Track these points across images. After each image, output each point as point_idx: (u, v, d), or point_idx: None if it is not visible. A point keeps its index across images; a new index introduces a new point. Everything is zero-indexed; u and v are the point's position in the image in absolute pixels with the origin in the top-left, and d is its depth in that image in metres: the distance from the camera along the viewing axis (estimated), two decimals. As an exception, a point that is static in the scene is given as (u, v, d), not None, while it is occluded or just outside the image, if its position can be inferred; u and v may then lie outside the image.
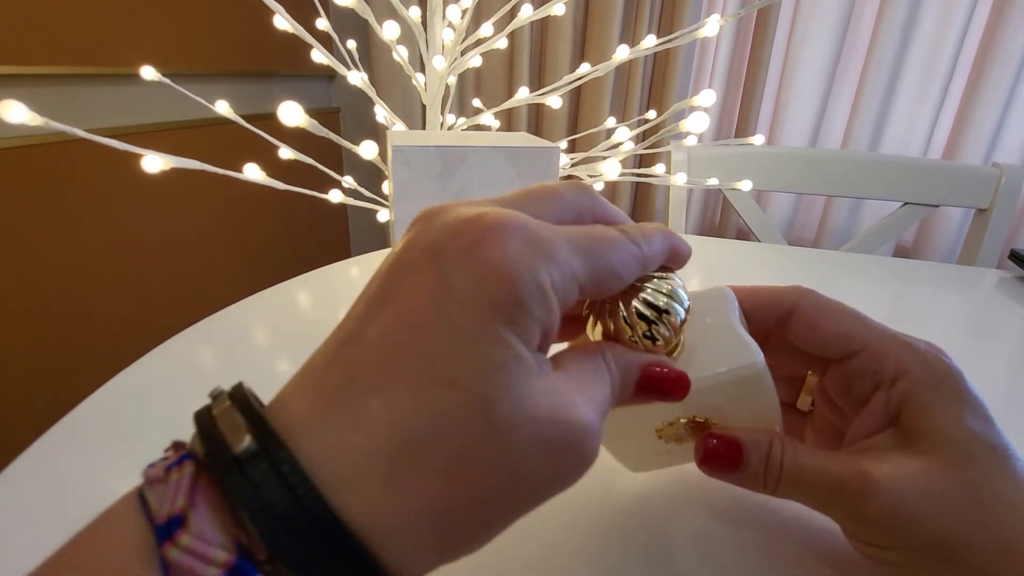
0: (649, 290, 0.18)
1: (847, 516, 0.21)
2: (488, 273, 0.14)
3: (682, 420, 0.22)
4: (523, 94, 0.55)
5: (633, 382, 0.18)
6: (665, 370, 0.18)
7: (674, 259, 0.20)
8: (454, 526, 0.14)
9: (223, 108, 0.48)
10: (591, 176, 0.55)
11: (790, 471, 0.21)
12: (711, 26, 0.52)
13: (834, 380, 0.23)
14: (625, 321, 0.18)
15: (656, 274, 0.19)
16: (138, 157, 0.41)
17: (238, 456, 0.13)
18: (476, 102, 0.77)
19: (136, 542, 0.13)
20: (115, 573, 0.12)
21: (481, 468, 0.13)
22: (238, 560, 0.12)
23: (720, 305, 0.22)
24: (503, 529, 0.15)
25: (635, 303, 0.18)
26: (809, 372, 0.26)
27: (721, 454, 0.22)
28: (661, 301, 0.18)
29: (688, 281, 0.21)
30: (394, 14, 0.51)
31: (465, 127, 0.58)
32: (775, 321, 0.23)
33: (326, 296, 0.50)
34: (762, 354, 0.21)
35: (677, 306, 0.19)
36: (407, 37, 0.59)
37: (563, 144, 0.55)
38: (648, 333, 0.18)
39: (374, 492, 0.13)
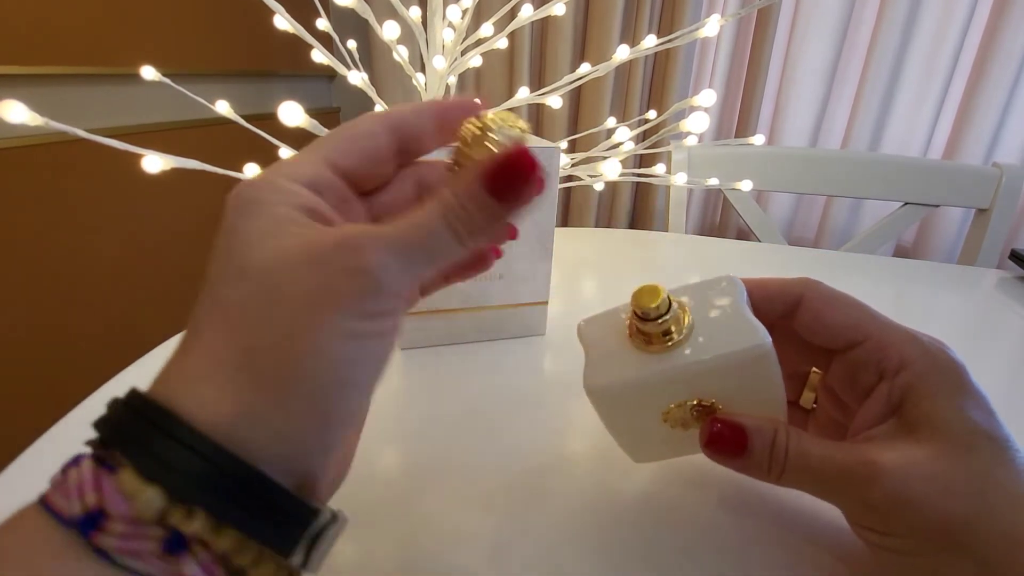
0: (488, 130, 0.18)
1: (852, 503, 0.21)
2: (230, 202, 0.17)
3: (689, 403, 0.22)
4: (523, 94, 0.55)
5: (476, 184, 0.16)
6: (513, 153, 0.16)
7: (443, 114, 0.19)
8: (247, 356, 0.15)
9: (223, 108, 0.48)
10: (591, 176, 0.55)
11: (795, 459, 0.21)
12: (711, 26, 0.52)
13: (838, 372, 0.24)
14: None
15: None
16: (138, 157, 0.41)
17: (141, 440, 0.14)
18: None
19: (53, 542, 0.13)
20: (44, 571, 0.13)
21: (243, 303, 0.15)
22: (173, 531, 0.14)
23: (728, 291, 0.23)
24: (301, 357, 0.15)
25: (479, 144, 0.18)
26: (813, 369, 0.26)
27: (725, 439, 0.22)
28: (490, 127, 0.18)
29: (689, 280, 0.21)
30: (394, 14, 0.51)
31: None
32: (782, 311, 0.24)
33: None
34: (770, 337, 0.21)
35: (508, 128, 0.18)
36: (407, 37, 0.59)
37: (563, 144, 0.55)
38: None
39: (202, 389, 0.15)
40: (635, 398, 0.22)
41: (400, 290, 0.16)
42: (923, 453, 0.19)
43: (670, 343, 0.21)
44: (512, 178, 0.16)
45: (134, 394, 0.15)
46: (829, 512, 0.22)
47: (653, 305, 0.21)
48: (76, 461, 0.15)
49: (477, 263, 0.22)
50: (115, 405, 0.15)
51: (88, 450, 0.15)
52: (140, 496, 0.13)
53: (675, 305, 0.22)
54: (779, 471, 0.21)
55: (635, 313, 0.22)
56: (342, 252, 0.16)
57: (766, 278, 0.24)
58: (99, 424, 0.15)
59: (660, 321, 0.21)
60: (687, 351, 0.21)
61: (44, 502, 0.14)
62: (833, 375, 0.24)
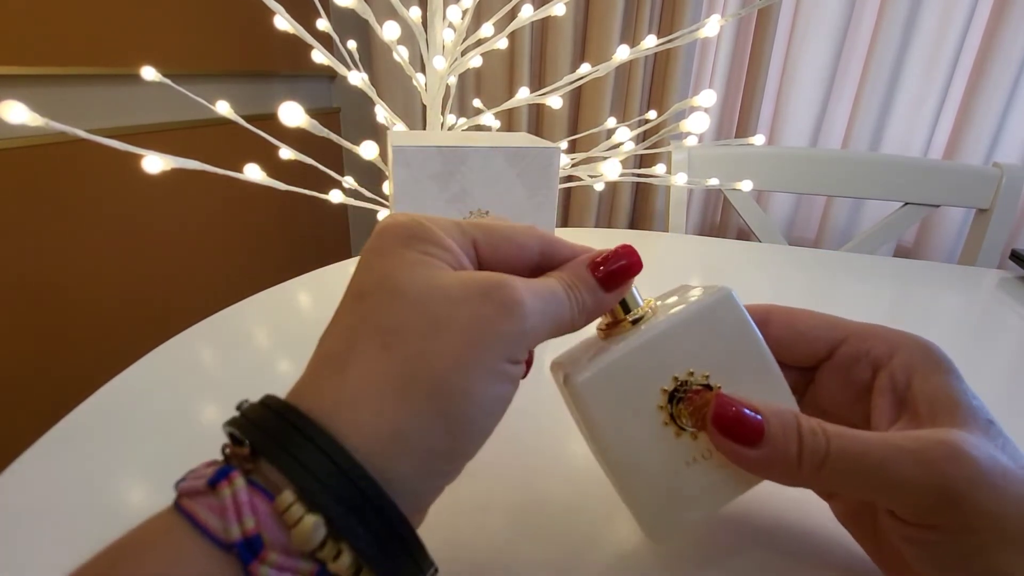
0: None
1: (912, 497, 0.17)
2: (389, 229, 0.18)
3: (683, 386, 0.20)
4: (523, 94, 0.55)
5: (586, 271, 0.19)
6: (614, 253, 0.20)
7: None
8: (404, 382, 0.15)
9: (223, 108, 0.48)
10: (591, 176, 0.55)
11: (843, 448, 0.17)
12: (711, 26, 0.52)
13: (826, 383, 0.22)
14: None
15: None
16: (138, 157, 0.41)
17: (303, 460, 0.14)
18: (476, 102, 0.77)
19: (208, 565, 0.13)
20: None
21: (403, 326, 0.16)
22: (320, 568, 0.13)
23: (702, 287, 0.22)
24: (459, 390, 0.16)
25: None
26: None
27: (733, 417, 0.19)
28: None
29: (689, 280, 0.21)
30: (394, 14, 0.51)
31: (465, 127, 0.58)
32: None
33: (326, 296, 0.50)
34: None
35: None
36: (407, 37, 0.59)
37: (563, 144, 0.55)
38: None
39: (360, 412, 0.15)
40: (624, 386, 0.20)
41: (534, 340, 0.17)
42: (964, 436, 0.17)
43: (643, 325, 0.21)
44: (616, 270, 0.19)
45: (283, 405, 0.15)
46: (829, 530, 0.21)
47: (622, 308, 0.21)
48: (225, 474, 0.14)
49: None
50: (261, 413, 0.15)
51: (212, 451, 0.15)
52: (303, 526, 0.13)
53: (644, 303, 0.22)
54: (820, 459, 0.18)
55: (607, 319, 0.21)
56: (498, 288, 0.17)
57: None
58: (243, 428, 0.15)
59: (631, 313, 0.21)
60: (658, 319, 0.21)
61: (191, 518, 0.13)
62: (823, 390, 0.22)
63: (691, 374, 0.20)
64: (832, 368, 0.22)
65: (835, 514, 0.23)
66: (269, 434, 0.14)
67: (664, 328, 0.20)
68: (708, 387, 0.20)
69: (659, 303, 0.22)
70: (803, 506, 0.27)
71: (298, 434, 0.14)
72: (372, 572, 0.14)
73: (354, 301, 0.17)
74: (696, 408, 0.20)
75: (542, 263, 0.20)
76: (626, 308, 0.21)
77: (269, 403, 0.15)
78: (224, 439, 0.16)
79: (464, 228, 0.19)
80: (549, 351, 0.24)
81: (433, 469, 0.16)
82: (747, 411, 0.19)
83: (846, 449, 0.17)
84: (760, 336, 0.21)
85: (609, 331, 0.22)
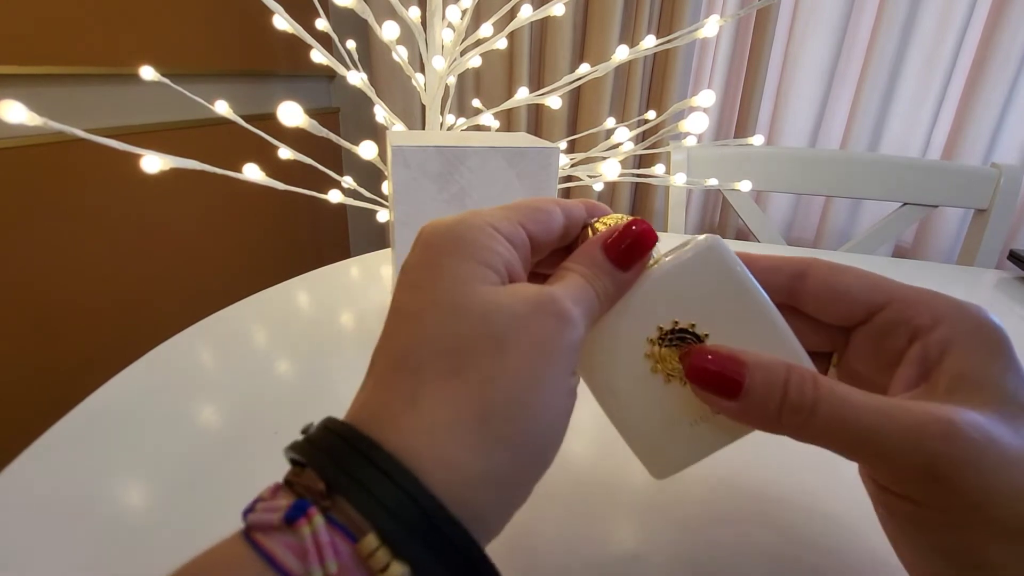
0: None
1: (898, 468, 0.17)
2: (433, 240, 0.18)
3: (671, 333, 0.20)
4: (523, 94, 0.55)
5: (601, 255, 0.19)
6: (625, 227, 0.19)
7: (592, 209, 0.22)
8: (484, 412, 0.15)
9: (223, 108, 0.48)
10: (591, 176, 0.55)
11: (831, 406, 0.17)
12: (710, 26, 0.52)
13: (860, 346, 0.20)
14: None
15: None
16: (138, 157, 0.41)
17: (384, 500, 0.13)
18: (476, 102, 0.77)
19: None
20: None
21: (469, 348, 0.15)
22: None
23: (694, 240, 0.21)
24: (535, 410, 0.15)
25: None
26: (833, 362, 0.22)
27: (712, 369, 0.18)
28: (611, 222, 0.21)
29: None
30: (394, 14, 0.51)
31: (465, 127, 0.58)
32: (787, 283, 0.21)
33: (326, 296, 0.50)
34: (726, 243, 0.20)
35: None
36: (407, 37, 0.59)
37: (563, 144, 0.55)
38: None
39: (444, 446, 0.14)
40: (613, 337, 0.20)
41: (581, 344, 0.17)
42: (976, 415, 0.16)
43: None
44: (628, 245, 0.19)
45: (358, 436, 0.14)
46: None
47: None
48: (302, 510, 0.13)
49: None
50: (327, 438, 0.14)
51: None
52: (389, 573, 0.12)
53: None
54: (802, 417, 0.17)
55: None
56: (552, 302, 0.16)
57: (767, 254, 0.22)
58: (311, 457, 0.14)
59: None
60: (646, 273, 0.20)
61: (268, 556, 0.12)
62: (855, 352, 0.21)
63: (676, 323, 0.20)
64: (867, 332, 0.20)
65: (860, 472, 0.21)
66: (343, 467, 0.13)
67: (647, 281, 0.20)
68: (696, 336, 0.20)
69: (662, 257, 0.21)
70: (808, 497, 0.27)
71: (374, 469, 0.13)
72: None
73: (407, 321, 0.16)
74: (680, 357, 0.20)
75: (569, 231, 0.21)
76: None
77: (338, 430, 0.14)
78: (273, 459, 0.15)
79: (512, 215, 0.19)
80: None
81: (513, 499, 0.15)
82: (726, 363, 0.18)
83: (834, 410, 0.17)
84: (754, 285, 0.20)
85: None
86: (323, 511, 0.13)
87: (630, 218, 0.20)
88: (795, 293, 0.21)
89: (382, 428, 0.14)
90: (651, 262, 0.21)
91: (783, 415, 0.17)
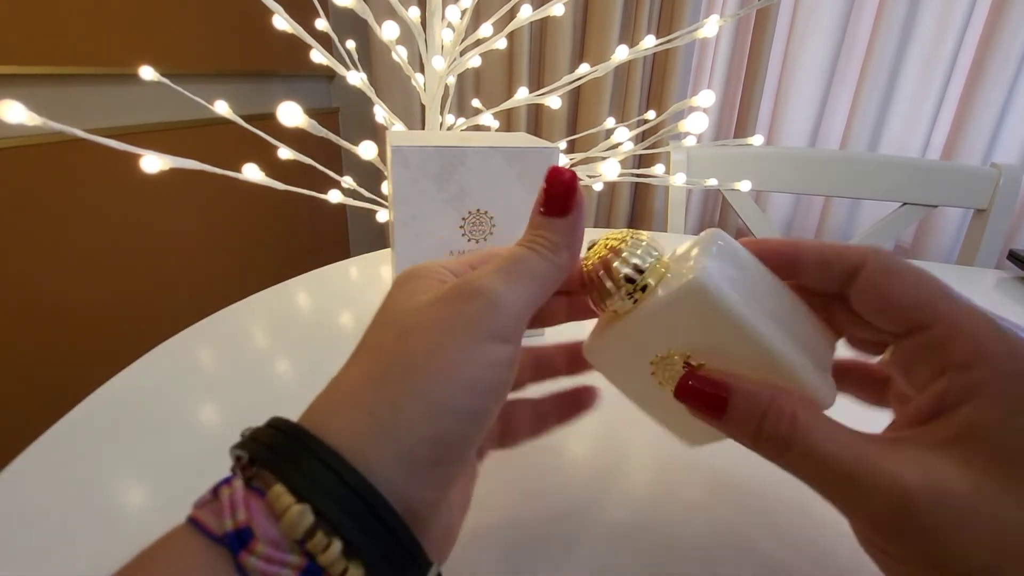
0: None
1: (860, 516, 0.17)
2: (398, 276, 0.21)
3: (675, 356, 0.21)
4: (522, 94, 0.55)
5: (535, 214, 0.21)
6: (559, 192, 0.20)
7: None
8: (380, 374, 0.17)
9: (222, 108, 0.48)
10: (590, 176, 0.55)
11: (803, 439, 0.17)
12: (710, 26, 0.52)
13: (899, 358, 0.19)
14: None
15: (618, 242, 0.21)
16: (137, 157, 0.41)
17: (293, 458, 0.15)
18: (475, 102, 0.77)
19: (203, 557, 0.14)
20: None
21: (380, 341, 0.18)
22: (309, 563, 0.14)
23: (702, 241, 0.21)
24: (433, 374, 0.16)
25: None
26: (884, 356, 0.21)
27: (698, 390, 0.19)
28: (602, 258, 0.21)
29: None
30: (393, 14, 0.51)
31: (464, 127, 0.58)
32: (838, 280, 0.20)
33: (325, 296, 0.50)
34: (716, 275, 0.19)
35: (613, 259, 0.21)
36: (406, 37, 0.59)
37: (562, 144, 0.55)
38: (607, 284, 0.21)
39: (341, 413, 0.16)
40: (620, 356, 0.22)
41: (514, 310, 0.18)
42: (967, 478, 0.15)
43: (633, 307, 0.20)
44: (553, 194, 0.20)
45: (281, 420, 0.16)
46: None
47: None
48: (227, 481, 0.15)
49: (576, 405, 0.25)
50: (260, 430, 0.16)
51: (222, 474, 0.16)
52: (289, 513, 0.14)
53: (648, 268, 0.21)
54: (777, 449, 0.17)
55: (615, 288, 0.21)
56: (457, 289, 0.18)
57: (826, 241, 0.20)
58: (245, 445, 0.16)
59: (632, 292, 0.20)
60: (641, 304, 0.20)
61: (193, 521, 0.14)
62: (894, 360, 0.20)
63: (669, 353, 0.21)
64: (904, 347, 0.19)
65: None
66: (263, 443, 0.15)
67: (642, 312, 0.20)
68: (690, 364, 0.21)
69: (669, 266, 0.21)
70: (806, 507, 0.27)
71: (286, 438, 0.15)
72: (361, 562, 0.14)
73: (358, 347, 0.19)
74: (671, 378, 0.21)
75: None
76: (635, 275, 0.20)
77: (270, 421, 0.17)
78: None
79: (462, 260, 0.21)
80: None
81: (419, 457, 0.16)
82: (711, 386, 0.19)
83: (809, 450, 0.17)
84: (745, 316, 0.19)
85: (611, 301, 0.21)
86: (246, 480, 0.15)
87: (636, 232, 0.21)
88: (845, 288, 0.20)
89: (305, 413, 0.17)
90: (659, 267, 0.20)
91: (759, 443, 0.18)
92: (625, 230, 0.21)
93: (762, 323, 0.19)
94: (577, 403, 0.25)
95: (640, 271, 0.20)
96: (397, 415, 0.16)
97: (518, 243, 0.20)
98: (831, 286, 0.20)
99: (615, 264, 0.20)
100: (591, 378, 0.24)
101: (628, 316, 0.21)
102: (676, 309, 0.20)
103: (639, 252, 0.20)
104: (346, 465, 0.15)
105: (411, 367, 0.16)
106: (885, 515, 0.16)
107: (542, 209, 0.20)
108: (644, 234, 0.21)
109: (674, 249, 0.22)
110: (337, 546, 0.14)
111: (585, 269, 0.21)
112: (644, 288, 0.20)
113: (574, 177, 0.20)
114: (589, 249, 0.22)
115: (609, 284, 0.20)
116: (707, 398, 0.19)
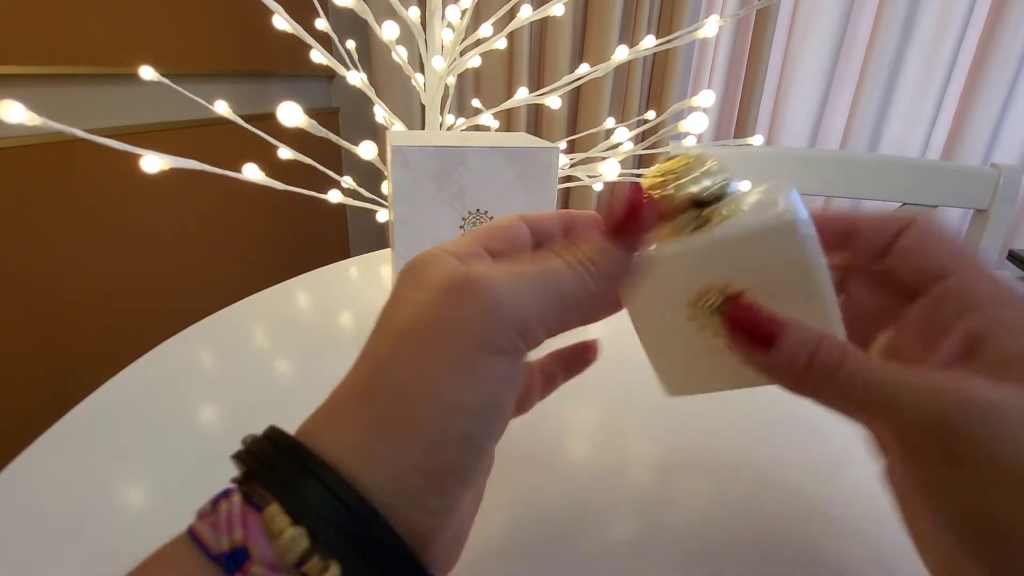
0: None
1: (909, 441, 0.17)
2: (403, 268, 0.19)
3: (715, 293, 0.20)
4: (522, 94, 0.56)
5: (590, 229, 0.20)
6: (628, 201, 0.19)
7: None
8: (368, 391, 0.16)
9: (222, 108, 0.48)
10: (590, 176, 0.55)
11: (854, 368, 0.17)
12: (710, 27, 0.52)
13: (914, 316, 0.20)
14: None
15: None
16: (137, 157, 0.41)
17: (288, 478, 0.14)
18: (475, 102, 0.77)
19: (196, 574, 0.13)
20: None
21: (376, 348, 0.17)
22: None
23: (777, 190, 0.21)
24: (424, 395, 0.15)
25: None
26: (881, 336, 0.22)
27: (751, 320, 0.19)
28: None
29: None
30: (393, 14, 0.51)
31: (464, 127, 0.58)
32: (887, 242, 0.21)
33: (325, 296, 0.50)
34: (807, 216, 0.19)
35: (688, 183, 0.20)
36: (406, 37, 0.58)
37: (562, 144, 0.55)
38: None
39: (337, 425, 0.16)
40: (661, 279, 0.21)
41: (516, 317, 0.16)
42: (1012, 395, 0.16)
43: (699, 231, 0.20)
44: (628, 220, 0.19)
45: (278, 432, 0.16)
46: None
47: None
48: (227, 494, 0.15)
49: (581, 362, 0.24)
50: (257, 442, 0.16)
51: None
52: (283, 537, 0.13)
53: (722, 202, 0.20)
54: (825, 376, 0.18)
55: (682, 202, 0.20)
56: (455, 279, 0.16)
57: (873, 213, 0.22)
58: (243, 457, 0.15)
59: (699, 216, 0.20)
60: (713, 230, 0.20)
61: (192, 533, 0.14)
62: (911, 318, 0.20)
63: (728, 286, 0.20)
64: (924, 302, 0.20)
65: (873, 443, 0.22)
66: (259, 457, 0.15)
67: (713, 235, 0.20)
68: (733, 297, 0.20)
69: (742, 199, 0.21)
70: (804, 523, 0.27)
71: (282, 453, 0.15)
72: None
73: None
74: (719, 307, 0.20)
75: (539, 240, 0.21)
76: (705, 201, 0.20)
77: (267, 432, 0.16)
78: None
79: (470, 238, 0.20)
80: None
81: (412, 484, 0.15)
82: (766, 318, 0.19)
83: (856, 370, 0.17)
84: (818, 269, 0.19)
85: (676, 218, 0.20)
86: (245, 493, 0.14)
87: (711, 156, 0.20)
88: (882, 255, 0.21)
89: (303, 424, 0.16)
90: (728, 204, 0.20)
91: (808, 373, 0.18)
92: (694, 154, 0.20)
93: (825, 275, 0.19)
94: (581, 360, 0.24)
95: (718, 198, 0.19)
96: (384, 437, 0.15)
97: (550, 248, 0.19)
98: (880, 246, 0.21)
99: (693, 188, 0.19)
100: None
101: (692, 238, 0.20)
102: (758, 243, 0.19)
103: (721, 178, 0.20)
104: (343, 484, 0.14)
105: (401, 391, 0.15)
106: (933, 429, 0.16)
107: (604, 228, 0.19)
108: (714, 159, 0.20)
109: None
110: (335, 570, 0.13)
111: (655, 179, 0.20)
112: (716, 214, 0.20)
113: (653, 208, 0.19)
114: (662, 164, 0.21)
115: (684, 202, 0.19)
116: (761, 330, 0.18)
